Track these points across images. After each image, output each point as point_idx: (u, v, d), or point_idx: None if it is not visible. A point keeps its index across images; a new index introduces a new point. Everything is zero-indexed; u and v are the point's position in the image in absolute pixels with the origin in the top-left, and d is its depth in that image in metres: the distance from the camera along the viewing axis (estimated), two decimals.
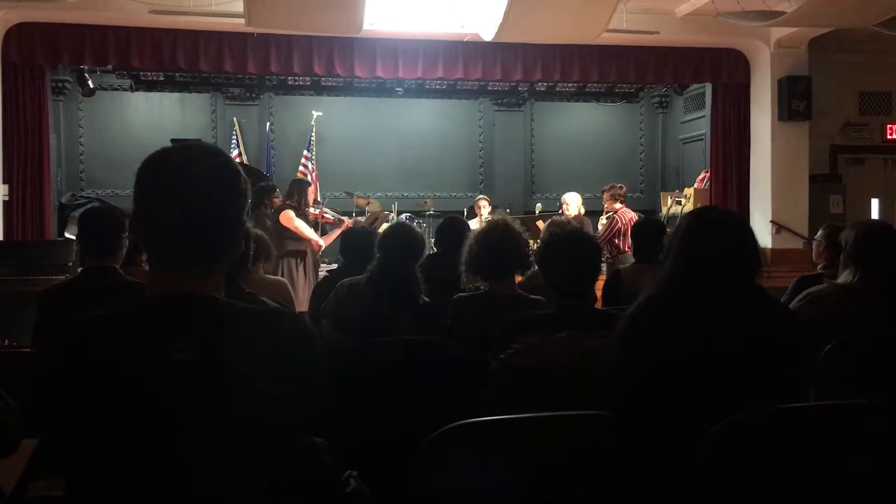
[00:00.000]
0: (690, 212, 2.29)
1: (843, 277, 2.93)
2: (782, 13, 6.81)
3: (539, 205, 9.78)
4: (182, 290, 1.31)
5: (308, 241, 6.39)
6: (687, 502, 1.66)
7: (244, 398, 1.26)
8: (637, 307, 2.02)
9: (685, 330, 1.92)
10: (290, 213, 6.32)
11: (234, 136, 10.40)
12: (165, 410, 1.24)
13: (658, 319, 1.97)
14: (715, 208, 2.19)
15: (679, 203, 9.28)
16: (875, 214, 9.62)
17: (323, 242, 6.71)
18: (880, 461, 1.72)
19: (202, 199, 1.30)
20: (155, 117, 10.64)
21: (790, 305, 2.91)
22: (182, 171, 1.31)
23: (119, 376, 1.25)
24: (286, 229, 6.26)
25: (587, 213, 7.77)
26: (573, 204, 7.62)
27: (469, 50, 8.37)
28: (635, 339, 1.98)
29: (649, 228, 4.44)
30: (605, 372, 2.05)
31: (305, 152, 10.05)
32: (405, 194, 10.90)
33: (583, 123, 11.83)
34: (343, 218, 7.03)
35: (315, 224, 6.98)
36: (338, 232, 6.77)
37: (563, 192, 7.89)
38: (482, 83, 10.38)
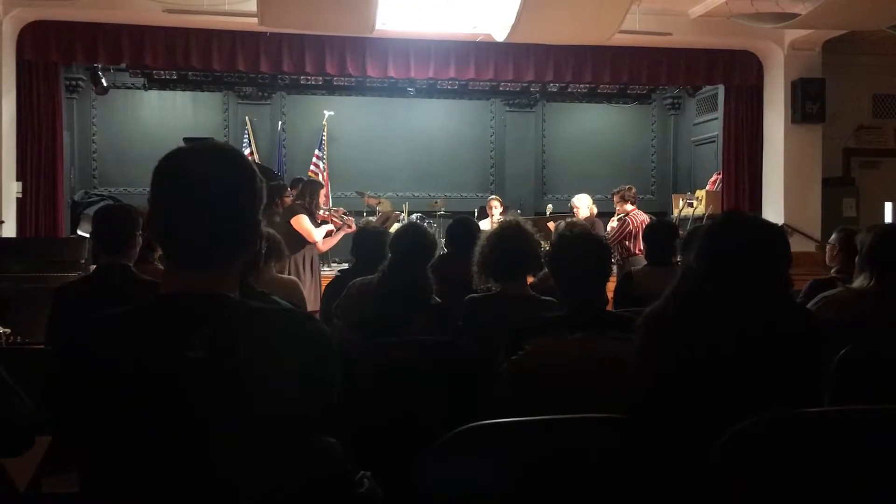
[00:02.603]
0: (720, 214, 2.27)
1: (859, 281, 2.92)
2: (796, 15, 6.77)
3: (550, 206, 9.76)
4: (196, 289, 1.31)
5: (314, 242, 6.30)
6: None
7: (258, 397, 1.26)
8: (656, 307, 2.01)
9: (704, 331, 1.91)
10: (303, 218, 6.19)
11: (246, 135, 10.43)
12: (179, 409, 1.24)
13: (677, 320, 1.95)
14: (744, 213, 2.18)
15: (691, 205, 9.24)
16: (889, 218, 9.54)
17: (323, 247, 6.62)
18: (894, 467, 1.71)
19: (217, 198, 1.30)
20: (167, 116, 10.68)
21: None
22: (198, 169, 1.32)
23: (133, 374, 1.25)
24: (294, 230, 6.19)
25: (599, 214, 7.75)
26: (583, 206, 7.58)
27: (481, 50, 8.36)
28: (653, 339, 1.97)
29: (661, 231, 4.42)
30: (617, 374, 2.04)
31: (317, 151, 10.07)
32: (416, 194, 10.90)
33: (594, 125, 11.80)
34: (350, 221, 6.92)
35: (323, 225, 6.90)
36: (340, 235, 6.69)
37: (575, 194, 7.87)
38: (494, 84, 10.37)
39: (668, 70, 8.81)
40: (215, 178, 1.31)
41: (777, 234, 2.07)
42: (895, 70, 9.66)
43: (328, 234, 6.61)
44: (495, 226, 3.40)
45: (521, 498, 1.70)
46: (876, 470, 1.70)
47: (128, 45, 7.78)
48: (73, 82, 9.98)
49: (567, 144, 11.70)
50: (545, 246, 3.38)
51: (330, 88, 10.99)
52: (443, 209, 9.72)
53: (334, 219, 6.93)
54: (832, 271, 4.13)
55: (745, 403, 1.74)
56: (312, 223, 6.30)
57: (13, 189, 7.72)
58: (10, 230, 7.63)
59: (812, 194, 8.82)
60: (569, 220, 5.81)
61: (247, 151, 10.04)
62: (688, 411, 1.87)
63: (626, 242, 6.81)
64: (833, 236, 4.23)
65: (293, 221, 6.17)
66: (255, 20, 6.84)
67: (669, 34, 8.03)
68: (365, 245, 3.99)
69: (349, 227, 6.67)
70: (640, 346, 2.00)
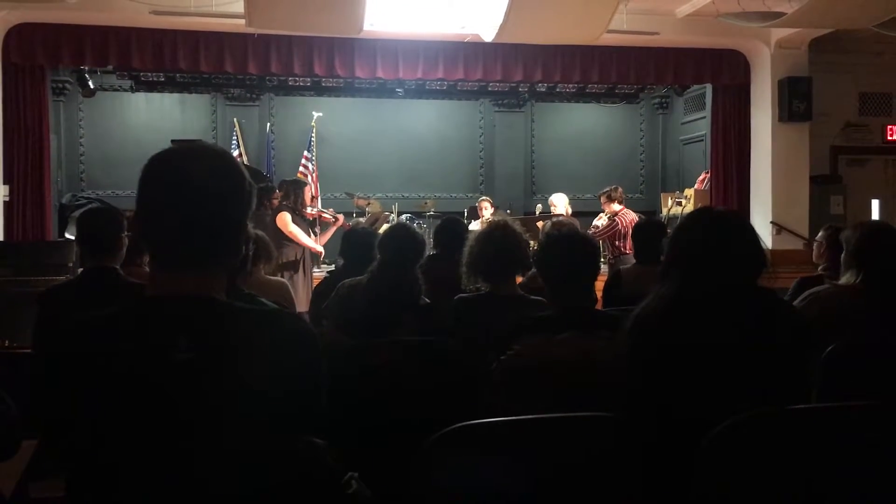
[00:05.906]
0: (690, 212, 2.29)
1: (846, 278, 2.93)
2: (783, 14, 6.81)
3: (539, 206, 9.78)
4: (183, 291, 1.30)
5: (301, 244, 6.37)
6: (689, 503, 1.66)
7: (245, 399, 1.25)
8: (641, 308, 2.02)
9: (689, 330, 1.91)
10: (286, 218, 6.25)
11: (235, 137, 10.40)
12: (166, 410, 1.24)
13: (662, 320, 1.96)
14: (714, 209, 2.18)
15: (679, 204, 9.28)
16: (876, 215, 9.60)
17: (321, 248, 6.75)
18: (880, 463, 1.72)
19: (205, 200, 1.30)
20: (155, 118, 10.63)
21: None
22: (186, 170, 1.31)
23: (120, 376, 1.25)
24: (282, 233, 6.23)
25: (589, 214, 7.78)
26: (560, 205, 7.65)
27: (469, 51, 8.36)
28: (640, 339, 1.97)
29: (650, 229, 4.43)
30: (606, 373, 2.05)
31: (306, 153, 10.05)
32: (405, 195, 10.89)
33: (583, 124, 11.83)
34: (338, 216, 7.06)
35: (314, 223, 7.00)
36: (332, 230, 6.82)
37: (565, 193, 7.90)
38: (482, 84, 10.37)
39: (655, 69, 8.84)
40: (203, 180, 1.30)
41: (744, 223, 2.08)
42: (881, 68, 9.72)
43: (315, 234, 6.71)
44: (484, 226, 3.40)
45: (510, 496, 1.70)
46: (863, 465, 1.71)
47: (115, 48, 7.74)
48: (60, 85, 9.93)
49: (556, 144, 11.72)
50: (534, 246, 3.39)
51: (318, 89, 10.96)
52: (432, 210, 9.73)
53: (324, 215, 7.06)
54: (819, 268, 4.16)
55: (733, 401, 1.75)
56: (299, 222, 6.36)
57: (0, 192, 7.67)
58: None
59: (800, 192, 8.87)
60: (556, 219, 5.82)
61: (235, 153, 10.00)
62: (676, 410, 1.87)
63: (617, 242, 6.84)
64: (820, 234, 4.26)
65: (278, 221, 6.22)
66: (242, 21, 6.81)
67: (657, 34, 8.07)
68: (354, 246, 3.98)
69: (338, 220, 6.84)
70: (628, 347, 2.01)
